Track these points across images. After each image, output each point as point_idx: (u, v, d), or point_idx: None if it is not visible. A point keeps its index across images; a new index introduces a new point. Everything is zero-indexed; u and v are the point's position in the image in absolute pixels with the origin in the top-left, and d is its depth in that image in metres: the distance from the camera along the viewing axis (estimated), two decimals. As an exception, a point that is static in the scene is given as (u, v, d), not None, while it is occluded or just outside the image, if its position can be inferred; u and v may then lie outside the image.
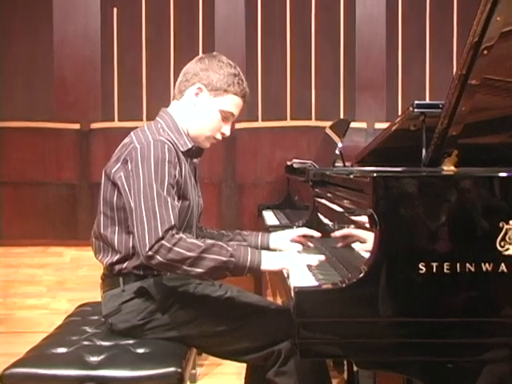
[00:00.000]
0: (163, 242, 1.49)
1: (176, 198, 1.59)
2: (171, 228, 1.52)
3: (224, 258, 1.52)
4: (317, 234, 1.82)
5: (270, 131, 3.39)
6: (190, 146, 1.72)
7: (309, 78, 3.40)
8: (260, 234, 1.90)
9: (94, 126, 3.33)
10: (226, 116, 1.72)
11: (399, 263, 1.26)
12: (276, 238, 1.86)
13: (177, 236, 1.51)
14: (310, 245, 1.83)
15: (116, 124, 3.29)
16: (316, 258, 1.57)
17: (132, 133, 1.70)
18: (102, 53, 3.37)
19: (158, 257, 1.49)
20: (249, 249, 1.57)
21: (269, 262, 1.56)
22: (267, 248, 1.84)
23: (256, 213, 3.21)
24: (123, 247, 1.66)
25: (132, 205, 1.57)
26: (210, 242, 1.56)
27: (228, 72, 1.70)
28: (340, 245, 1.63)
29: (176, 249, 1.49)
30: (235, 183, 3.39)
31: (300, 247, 1.75)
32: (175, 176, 1.60)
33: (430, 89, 3.38)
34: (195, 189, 1.77)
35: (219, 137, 1.76)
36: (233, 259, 1.52)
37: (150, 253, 1.49)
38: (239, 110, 1.75)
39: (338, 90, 3.39)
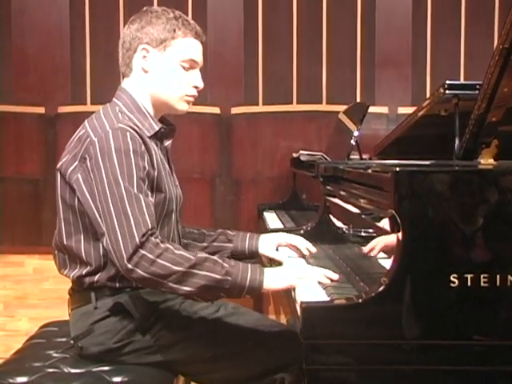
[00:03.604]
0: (144, 252, 1.49)
1: (149, 194, 1.60)
2: (150, 232, 1.51)
3: (218, 276, 1.51)
4: (307, 251, 1.83)
5: (273, 117, 3.39)
6: (156, 129, 1.73)
7: (319, 52, 3.39)
8: (248, 235, 1.92)
9: (62, 109, 3.33)
10: (188, 65, 1.73)
11: (426, 275, 1.27)
12: (265, 241, 1.89)
13: (162, 246, 1.51)
14: (305, 252, 1.85)
15: (88, 108, 3.29)
16: (329, 275, 1.57)
17: (86, 122, 1.70)
18: (72, 22, 3.36)
19: (139, 271, 1.49)
20: (249, 266, 1.57)
21: (272, 281, 1.55)
22: (255, 253, 1.90)
23: (256, 214, 3.22)
24: (92, 257, 1.66)
25: (94, 210, 1.58)
26: (202, 255, 1.55)
27: (167, 18, 1.72)
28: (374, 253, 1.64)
29: (160, 261, 1.49)
30: (231, 179, 3.39)
31: (289, 253, 1.77)
32: (145, 168, 1.60)
33: (464, 66, 3.38)
34: (171, 177, 1.77)
35: (193, 92, 1.76)
36: (229, 278, 1.52)
37: (129, 266, 1.48)
38: (200, 53, 1.76)
39: (353, 68, 3.39)
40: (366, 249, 1.64)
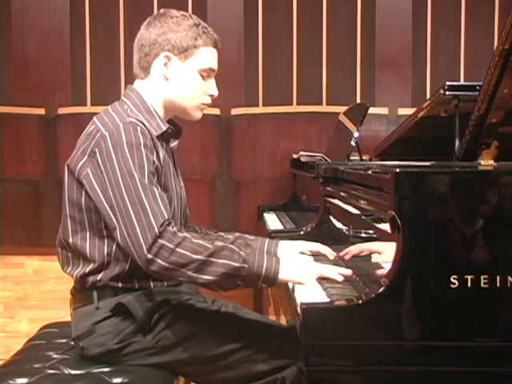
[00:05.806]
0: (163, 241, 1.50)
1: (159, 188, 1.60)
2: (167, 222, 1.53)
3: (236, 264, 1.53)
4: (332, 255, 1.83)
5: (273, 118, 3.39)
6: (164, 129, 1.74)
7: (319, 53, 3.39)
8: (267, 240, 1.91)
9: (62, 111, 3.33)
10: (206, 74, 1.75)
11: (426, 276, 1.27)
12: (285, 248, 1.87)
13: (180, 234, 1.52)
14: (331, 258, 1.84)
15: (88, 109, 3.29)
16: (342, 271, 1.58)
17: (95, 118, 1.71)
18: (72, 24, 3.36)
19: (159, 260, 1.50)
20: (265, 254, 1.59)
21: (288, 272, 1.57)
22: None
23: (256, 215, 3.22)
24: (97, 255, 1.67)
25: (105, 204, 1.58)
26: (219, 244, 1.58)
27: (187, 25, 1.73)
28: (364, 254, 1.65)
29: (179, 250, 1.50)
30: (231, 180, 3.39)
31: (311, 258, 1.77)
32: (154, 162, 1.61)
33: (464, 67, 3.38)
34: (175, 178, 1.78)
35: (208, 100, 1.79)
36: (246, 265, 1.53)
37: (149, 256, 1.49)
38: (217, 62, 1.78)
39: (354, 69, 3.39)
40: (342, 253, 1.68)
